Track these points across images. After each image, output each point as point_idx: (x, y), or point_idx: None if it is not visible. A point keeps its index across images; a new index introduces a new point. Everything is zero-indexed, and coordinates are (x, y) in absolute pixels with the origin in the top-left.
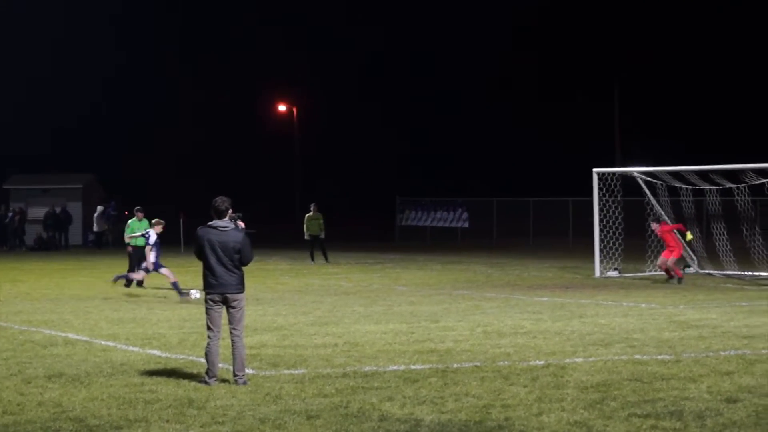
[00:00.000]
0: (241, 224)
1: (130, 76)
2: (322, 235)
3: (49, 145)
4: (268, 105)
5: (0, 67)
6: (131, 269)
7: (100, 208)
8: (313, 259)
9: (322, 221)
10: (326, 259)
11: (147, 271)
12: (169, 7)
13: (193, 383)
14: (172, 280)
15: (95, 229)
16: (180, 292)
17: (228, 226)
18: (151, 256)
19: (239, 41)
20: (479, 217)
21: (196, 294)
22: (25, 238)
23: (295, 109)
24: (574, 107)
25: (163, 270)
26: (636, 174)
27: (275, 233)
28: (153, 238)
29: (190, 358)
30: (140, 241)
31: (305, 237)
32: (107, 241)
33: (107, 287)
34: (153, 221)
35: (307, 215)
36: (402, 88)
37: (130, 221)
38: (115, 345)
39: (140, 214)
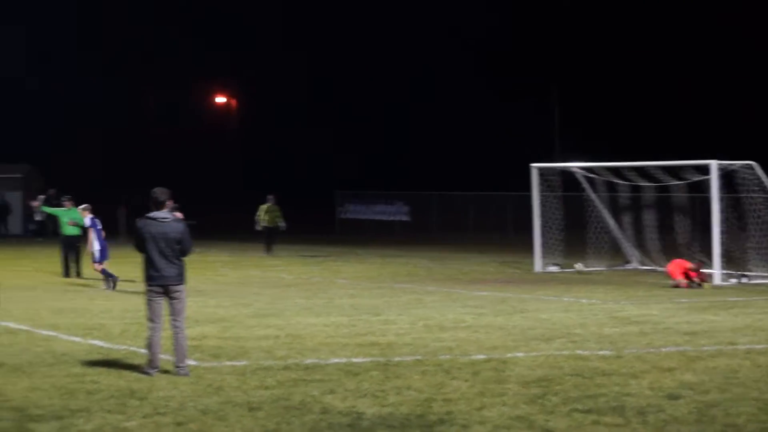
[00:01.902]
0: (179, 215)
1: (58, 65)
2: (283, 227)
3: None
4: (208, 96)
5: None
6: (64, 262)
7: (41, 197)
8: (268, 252)
9: (279, 213)
10: (269, 250)
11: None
12: None
13: (134, 374)
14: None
15: (37, 218)
16: (113, 282)
17: (168, 217)
18: (96, 244)
19: (176, 29)
20: (419, 211)
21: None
22: None
23: (234, 101)
24: (514, 101)
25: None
26: (575, 169)
27: (215, 225)
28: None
29: (132, 348)
30: (71, 230)
31: (257, 228)
32: (48, 231)
33: (49, 277)
34: (81, 207)
35: (262, 206)
36: (346, 80)
37: (56, 210)
38: (56, 335)
39: (68, 203)
